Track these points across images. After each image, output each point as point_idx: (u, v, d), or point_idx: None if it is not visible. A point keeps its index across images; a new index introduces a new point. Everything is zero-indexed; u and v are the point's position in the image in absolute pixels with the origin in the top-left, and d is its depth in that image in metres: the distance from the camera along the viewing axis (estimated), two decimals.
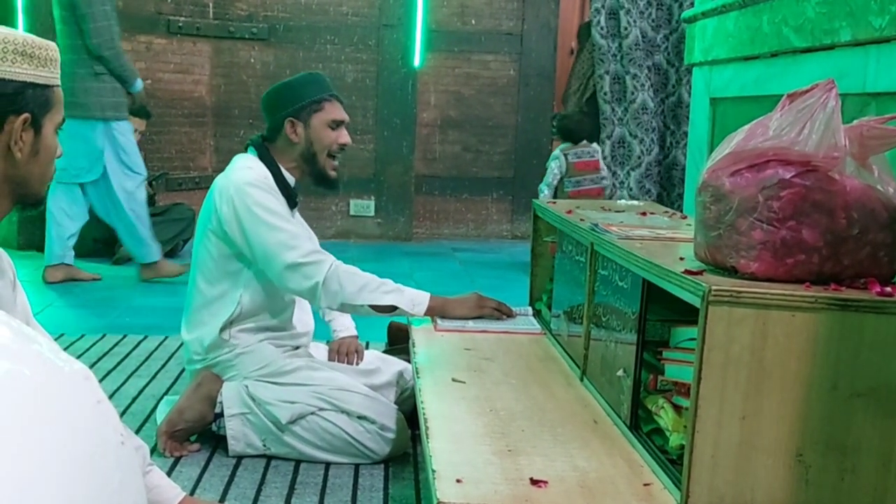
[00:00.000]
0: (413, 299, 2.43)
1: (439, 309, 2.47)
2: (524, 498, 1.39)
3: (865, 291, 1.33)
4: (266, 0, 6.41)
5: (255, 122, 6.12)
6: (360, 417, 2.38)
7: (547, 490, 1.42)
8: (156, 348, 3.41)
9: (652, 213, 2.46)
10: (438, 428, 1.68)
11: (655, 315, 1.66)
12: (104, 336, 3.55)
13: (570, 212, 2.36)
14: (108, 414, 0.72)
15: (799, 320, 1.29)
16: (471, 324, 2.46)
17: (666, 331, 1.65)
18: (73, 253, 4.66)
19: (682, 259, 1.56)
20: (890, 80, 1.86)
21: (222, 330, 2.44)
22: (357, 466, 2.37)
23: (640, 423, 1.63)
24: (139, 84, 4.68)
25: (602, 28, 5.38)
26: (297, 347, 2.61)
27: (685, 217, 2.41)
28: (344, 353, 2.69)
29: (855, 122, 1.40)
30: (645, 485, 1.47)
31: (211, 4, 6.20)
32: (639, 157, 5.39)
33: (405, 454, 2.44)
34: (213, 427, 2.43)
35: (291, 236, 2.37)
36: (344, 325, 2.79)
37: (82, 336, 3.54)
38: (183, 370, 3.04)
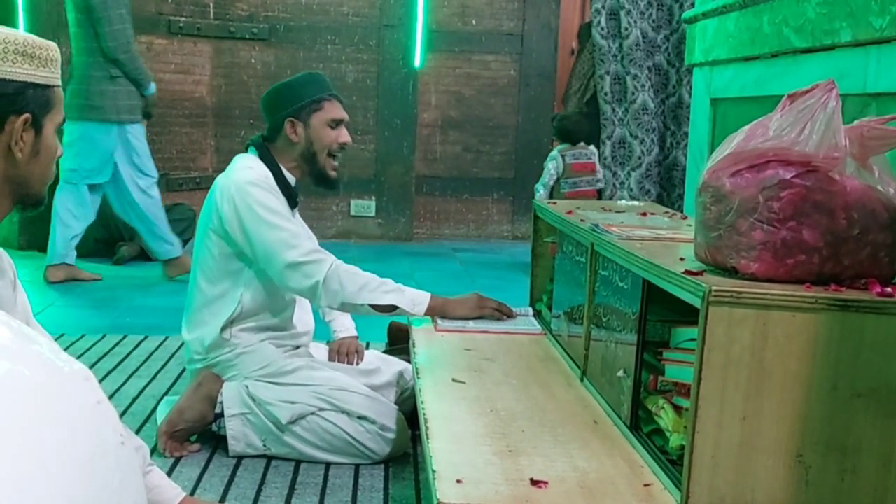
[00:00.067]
0: (413, 299, 2.43)
1: (440, 309, 2.47)
2: (524, 498, 1.39)
3: (866, 292, 1.33)
4: (267, 0, 6.41)
5: (255, 122, 6.13)
6: (361, 418, 2.38)
7: (547, 490, 1.42)
8: (156, 348, 3.41)
9: (652, 214, 2.46)
10: (439, 428, 1.68)
11: (656, 315, 1.66)
12: (104, 336, 3.55)
13: (570, 212, 2.36)
14: (107, 414, 0.72)
15: (799, 321, 1.29)
16: (471, 324, 2.46)
17: (666, 331, 1.65)
18: (75, 253, 4.67)
19: (682, 259, 1.56)
20: (890, 81, 1.86)
21: (223, 329, 2.44)
22: (357, 467, 2.37)
23: (640, 424, 1.63)
24: (153, 87, 4.72)
25: (602, 28, 5.37)
26: (298, 347, 2.61)
27: (685, 217, 2.41)
28: (344, 353, 2.69)
29: (855, 122, 1.40)
30: (645, 485, 1.46)
31: (211, 5, 6.20)
32: (639, 158, 5.39)
33: (405, 454, 2.44)
34: (214, 427, 2.43)
35: (292, 235, 2.38)
36: (344, 326, 2.79)
37: (83, 336, 3.54)
38: (183, 371, 3.04)
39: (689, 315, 1.42)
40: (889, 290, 1.32)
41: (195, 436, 2.46)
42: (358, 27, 6.49)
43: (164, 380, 3.06)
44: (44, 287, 4.49)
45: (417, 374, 2.03)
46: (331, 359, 2.68)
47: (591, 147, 5.30)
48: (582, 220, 2.18)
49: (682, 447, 1.41)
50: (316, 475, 2.32)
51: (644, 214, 2.43)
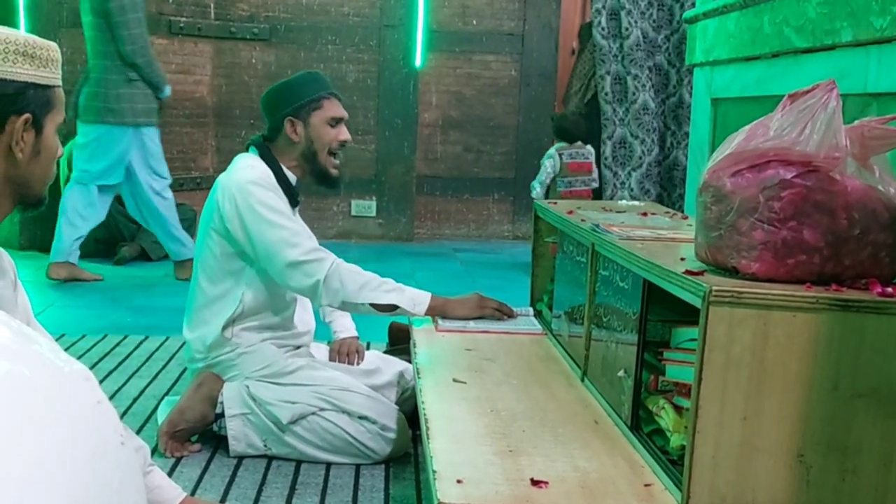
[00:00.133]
0: (414, 299, 2.43)
1: (440, 309, 2.47)
2: (525, 498, 1.39)
3: (866, 292, 1.33)
4: (267, 0, 6.41)
5: (256, 122, 6.13)
6: (361, 418, 2.38)
7: (548, 490, 1.42)
8: (157, 349, 3.42)
9: (653, 214, 2.46)
10: (439, 428, 1.68)
11: (656, 315, 1.66)
12: (105, 336, 3.55)
13: (571, 212, 2.36)
14: (108, 414, 0.72)
15: (800, 321, 1.29)
16: (472, 324, 2.45)
17: (667, 331, 1.65)
18: (78, 252, 4.68)
19: (682, 259, 1.56)
20: (891, 81, 1.85)
21: (224, 328, 2.44)
22: (358, 467, 2.37)
23: (640, 424, 1.63)
24: (168, 89, 4.77)
25: (603, 28, 5.37)
26: (299, 347, 2.61)
27: (686, 217, 2.41)
28: (345, 353, 2.69)
29: (856, 122, 1.40)
30: (646, 485, 1.46)
31: (212, 5, 6.20)
32: (640, 158, 5.39)
33: (406, 454, 2.44)
34: (214, 427, 2.43)
35: (293, 234, 2.38)
36: (344, 326, 2.79)
37: (83, 336, 3.54)
38: (184, 371, 3.04)
39: (689, 315, 1.42)
40: (890, 290, 1.32)
41: (196, 436, 2.46)
42: (358, 27, 6.49)
43: (164, 380, 3.06)
44: (45, 287, 4.49)
45: (418, 374, 2.03)
46: (331, 359, 2.68)
47: (589, 147, 5.31)
48: (583, 221, 2.18)
49: (683, 447, 1.41)
50: (317, 475, 2.32)
51: (645, 214, 2.42)
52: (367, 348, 2.83)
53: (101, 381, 0.73)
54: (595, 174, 5.31)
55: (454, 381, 1.98)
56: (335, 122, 2.53)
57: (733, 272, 1.41)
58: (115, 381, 3.01)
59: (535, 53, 6.73)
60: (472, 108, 6.76)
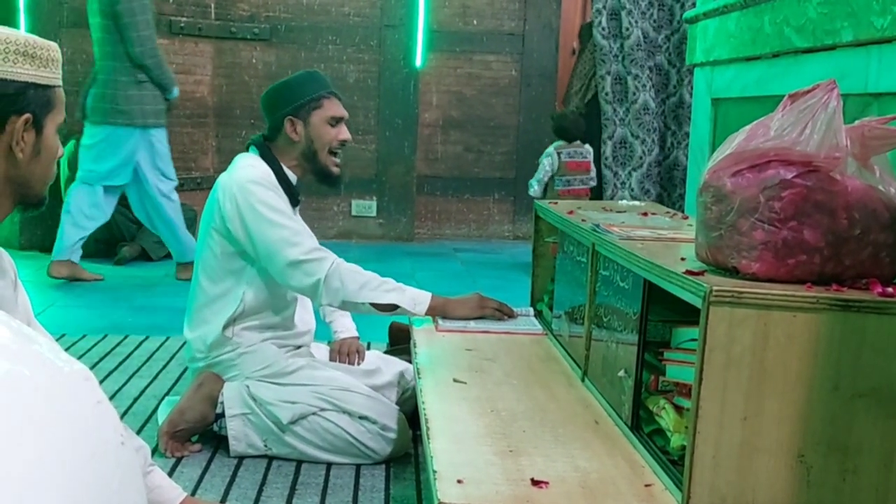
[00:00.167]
0: (414, 298, 2.43)
1: (440, 309, 2.47)
2: (525, 498, 1.39)
3: (867, 292, 1.33)
4: (268, 0, 6.41)
5: (256, 122, 6.13)
6: (362, 418, 2.38)
7: (548, 491, 1.42)
8: (157, 349, 3.42)
9: (653, 214, 2.46)
10: (440, 428, 1.68)
11: (656, 316, 1.66)
12: (106, 336, 3.56)
13: (571, 212, 2.36)
14: (108, 414, 0.72)
15: (800, 321, 1.29)
16: (472, 324, 2.45)
17: (667, 331, 1.65)
18: (80, 252, 4.69)
19: (683, 259, 1.56)
20: (891, 81, 1.85)
21: (225, 328, 2.44)
22: (358, 467, 2.37)
23: (641, 424, 1.63)
24: (176, 91, 4.80)
25: (603, 28, 5.37)
26: (300, 347, 2.61)
27: (686, 217, 2.41)
28: (345, 353, 2.69)
29: (856, 122, 1.40)
30: (646, 485, 1.46)
31: (212, 5, 6.21)
32: (640, 158, 5.39)
33: (406, 454, 2.44)
34: (215, 427, 2.43)
35: (294, 233, 2.38)
36: (345, 326, 2.79)
37: (84, 336, 3.54)
38: (184, 371, 3.04)
39: (690, 315, 1.42)
40: (890, 289, 1.32)
41: (196, 436, 2.46)
42: (359, 27, 6.49)
43: (165, 380, 3.06)
44: (45, 287, 4.49)
45: (418, 374, 2.03)
46: (332, 359, 2.68)
47: (587, 146, 5.31)
48: (583, 221, 2.18)
49: (684, 447, 1.41)
50: (317, 475, 2.32)
51: (645, 214, 2.42)
52: (368, 348, 2.83)
53: (101, 381, 0.73)
54: (593, 173, 5.31)
55: (454, 381, 1.98)
56: (335, 121, 2.52)
57: (734, 272, 1.41)
58: (115, 381, 3.01)
59: (535, 53, 6.73)
60: (472, 108, 6.76)
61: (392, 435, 2.40)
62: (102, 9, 4.49)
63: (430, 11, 6.51)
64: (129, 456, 0.73)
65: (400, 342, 2.89)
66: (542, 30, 6.73)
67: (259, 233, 2.37)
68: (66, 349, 0.82)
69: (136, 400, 2.85)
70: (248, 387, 2.42)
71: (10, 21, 5.21)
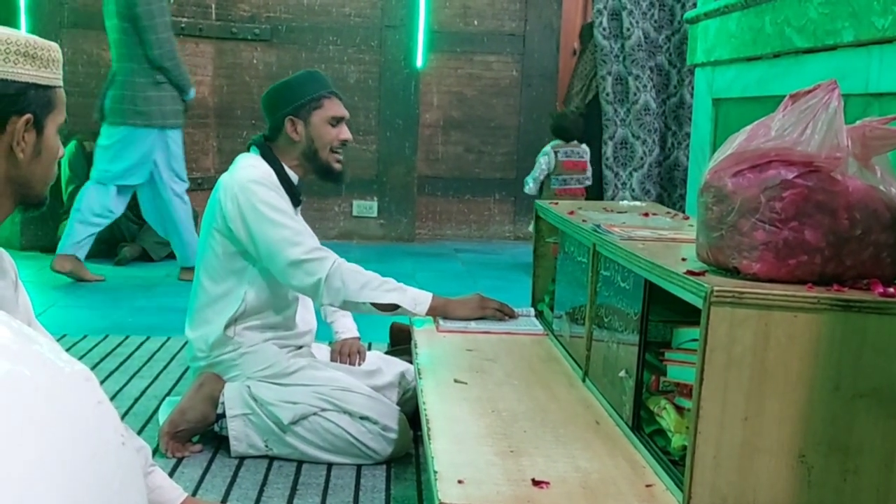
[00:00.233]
0: (415, 298, 2.43)
1: (441, 309, 2.47)
2: (526, 499, 1.39)
3: (868, 292, 1.33)
4: (268, 1, 6.41)
5: (257, 123, 6.13)
6: (363, 418, 2.38)
7: (549, 491, 1.42)
8: (158, 349, 3.42)
9: (654, 214, 2.45)
10: (440, 429, 1.68)
11: (657, 316, 1.66)
12: (107, 337, 3.56)
13: (572, 213, 2.36)
14: (108, 415, 0.72)
15: (801, 321, 1.29)
16: (473, 325, 2.45)
17: (668, 332, 1.65)
18: (86, 250, 4.69)
19: (684, 260, 1.56)
20: (892, 81, 1.85)
21: (227, 327, 2.44)
22: (359, 467, 2.37)
23: (642, 424, 1.63)
24: (193, 92, 4.83)
25: (604, 29, 5.38)
26: (301, 347, 2.61)
27: (687, 218, 2.41)
28: (346, 353, 2.69)
29: (857, 122, 1.40)
30: (647, 486, 1.46)
31: (213, 5, 6.21)
32: (641, 158, 5.39)
33: (407, 455, 2.44)
34: (216, 428, 2.43)
35: (295, 233, 2.38)
36: (346, 327, 2.79)
37: (85, 337, 3.54)
38: (185, 371, 3.04)
39: (690, 315, 1.42)
40: (891, 290, 1.32)
41: (197, 436, 2.46)
42: (360, 28, 6.49)
43: (166, 380, 3.06)
44: (46, 287, 4.50)
45: (419, 374, 2.03)
46: (333, 359, 2.68)
47: (584, 146, 5.31)
48: (584, 221, 2.18)
49: (684, 448, 1.40)
50: (318, 475, 2.32)
51: (646, 215, 2.42)
52: (369, 349, 2.83)
53: (102, 382, 0.73)
54: (589, 172, 5.31)
55: (455, 381, 1.98)
56: (336, 121, 2.53)
57: (734, 272, 1.41)
58: (116, 382, 3.01)
59: (536, 54, 6.73)
60: (473, 109, 6.76)
61: (393, 435, 2.40)
62: (120, 11, 4.51)
63: (430, 12, 6.51)
64: (129, 456, 0.73)
65: (401, 343, 2.89)
66: (543, 30, 6.73)
67: (260, 232, 2.37)
68: (67, 349, 0.82)
69: (136, 400, 2.85)
70: (248, 387, 2.42)
71: (11, 21, 5.21)
